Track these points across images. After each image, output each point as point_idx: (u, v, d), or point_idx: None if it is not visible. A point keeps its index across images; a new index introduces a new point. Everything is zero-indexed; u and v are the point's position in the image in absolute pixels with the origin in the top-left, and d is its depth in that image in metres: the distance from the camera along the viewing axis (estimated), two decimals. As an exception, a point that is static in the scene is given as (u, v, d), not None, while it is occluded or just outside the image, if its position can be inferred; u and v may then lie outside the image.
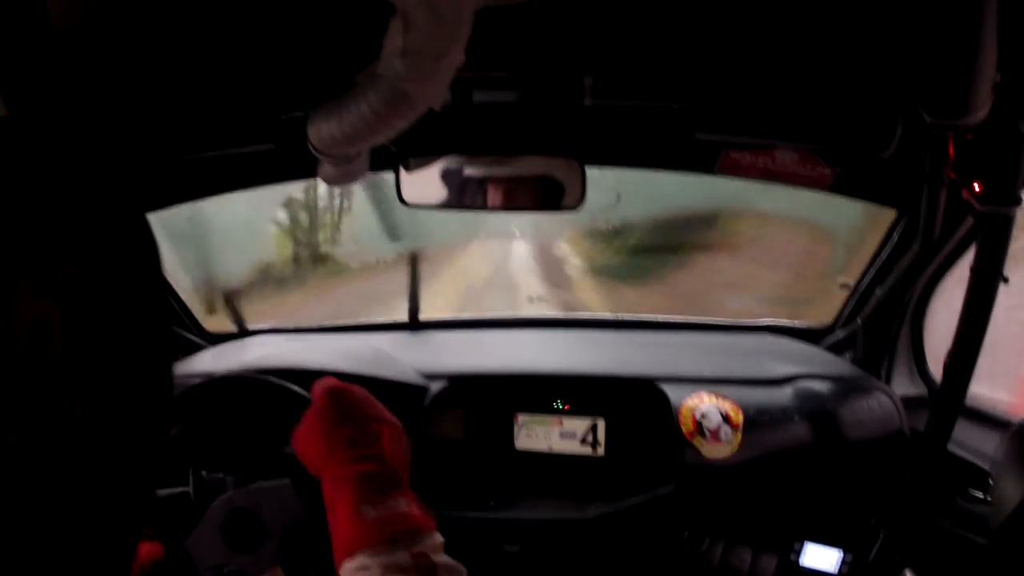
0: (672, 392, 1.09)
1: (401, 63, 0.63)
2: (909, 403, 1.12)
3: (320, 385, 0.65)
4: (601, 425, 1.14)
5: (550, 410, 1.16)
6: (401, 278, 1.42)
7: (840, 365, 1.21)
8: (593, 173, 1.00)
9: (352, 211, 2.65)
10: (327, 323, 1.55)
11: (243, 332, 1.51)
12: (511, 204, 1.08)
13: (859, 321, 1.23)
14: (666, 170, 1.19)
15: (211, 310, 1.51)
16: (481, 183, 1.07)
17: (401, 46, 0.61)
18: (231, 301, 1.49)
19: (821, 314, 1.42)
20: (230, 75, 0.85)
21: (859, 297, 1.27)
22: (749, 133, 1.01)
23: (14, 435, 0.23)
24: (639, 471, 1.11)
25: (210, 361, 1.26)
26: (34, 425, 0.23)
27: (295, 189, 2.56)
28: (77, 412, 0.24)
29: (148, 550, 0.65)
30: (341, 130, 0.78)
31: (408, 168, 1.03)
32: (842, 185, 1.08)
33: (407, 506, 0.53)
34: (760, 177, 1.07)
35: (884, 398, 1.08)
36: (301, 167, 1.09)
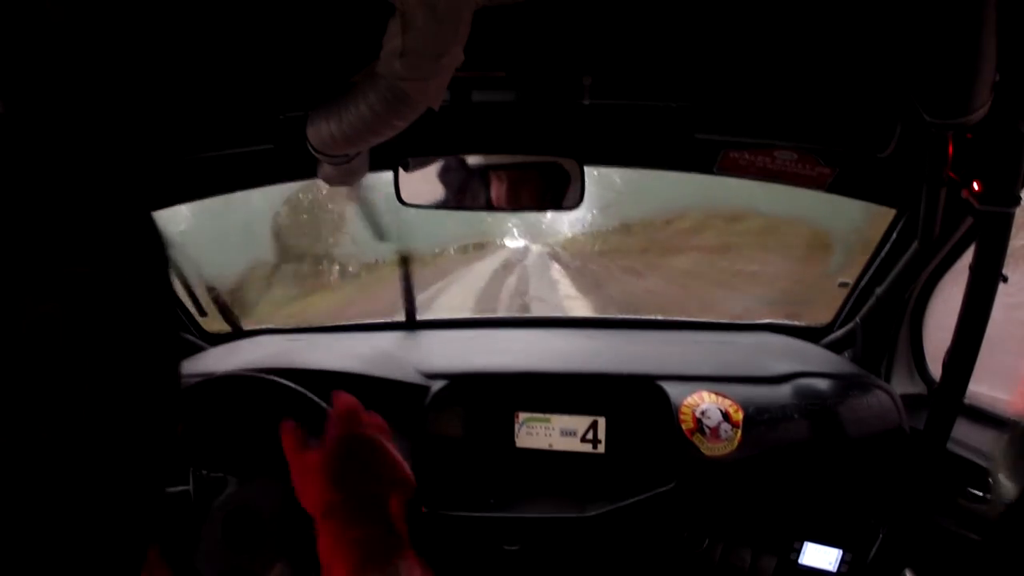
0: (672, 390, 1.09)
1: (400, 63, 0.63)
2: (908, 402, 1.12)
3: (335, 424, 0.60)
4: (601, 423, 1.14)
5: (550, 408, 1.16)
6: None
7: (839, 363, 1.21)
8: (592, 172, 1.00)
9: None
10: (327, 323, 1.56)
11: (243, 332, 1.51)
12: (510, 204, 1.08)
13: (858, 320, 1.24)
14: (665, 170, 1.19)
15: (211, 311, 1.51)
16: (480, 183, 1.07)
17: (400, 46, 0.61)
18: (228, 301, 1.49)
19: (820, 313, 1.42)
20: (230, 75, 0.85)
21: (858, 296, 1.27)
22: (748, 133, 1.01)
23: (17, 436, 0.23)
24: (639, 469, 1.12)
25: (210, 361, 1.26)
26: (37, 427, 0.23)
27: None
28: (80, 414, 0.24)
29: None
30: (340, 130, 0.78)
31: (407, 168, 1.03)
32: (841, 185, 1.08)
33: (408, 572, 0.50)
34: (759, 177, 1.07)
35: (883, 395, 1.08)
36: (301, 167, 1.09)
